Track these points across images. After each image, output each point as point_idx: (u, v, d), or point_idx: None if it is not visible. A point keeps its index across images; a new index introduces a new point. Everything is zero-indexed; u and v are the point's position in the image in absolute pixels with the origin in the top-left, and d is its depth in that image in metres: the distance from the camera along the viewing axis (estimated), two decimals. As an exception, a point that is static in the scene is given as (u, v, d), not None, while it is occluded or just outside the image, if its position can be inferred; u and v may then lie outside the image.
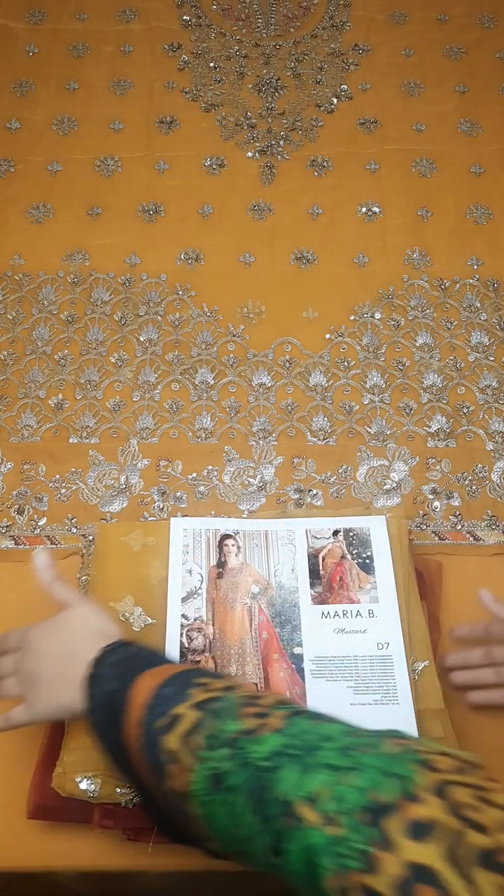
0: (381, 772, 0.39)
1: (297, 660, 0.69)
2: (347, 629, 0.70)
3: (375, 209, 1.09)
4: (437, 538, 0.85)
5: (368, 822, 0.37)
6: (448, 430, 0.92)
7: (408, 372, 0.96)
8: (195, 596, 0.73)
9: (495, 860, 0.33)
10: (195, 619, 0.71)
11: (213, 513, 0.85)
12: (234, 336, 0.98)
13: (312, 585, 0.74)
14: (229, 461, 0.89)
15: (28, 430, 0.91)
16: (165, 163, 1.12)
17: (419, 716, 0.68)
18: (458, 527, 0.86)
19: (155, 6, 1.27)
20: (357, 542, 0.76)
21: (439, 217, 1.08)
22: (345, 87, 1.20)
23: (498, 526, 0.86)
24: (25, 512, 0.86)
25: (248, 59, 1.22)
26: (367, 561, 0.75)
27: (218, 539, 0.76)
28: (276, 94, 1.19)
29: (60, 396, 0.93)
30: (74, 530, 0.85)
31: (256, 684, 0.68)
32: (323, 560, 0.75)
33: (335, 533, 0.77)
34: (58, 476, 0.88)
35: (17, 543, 0.84)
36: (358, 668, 0.68)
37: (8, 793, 0.69)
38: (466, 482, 0.88)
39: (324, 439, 0.91)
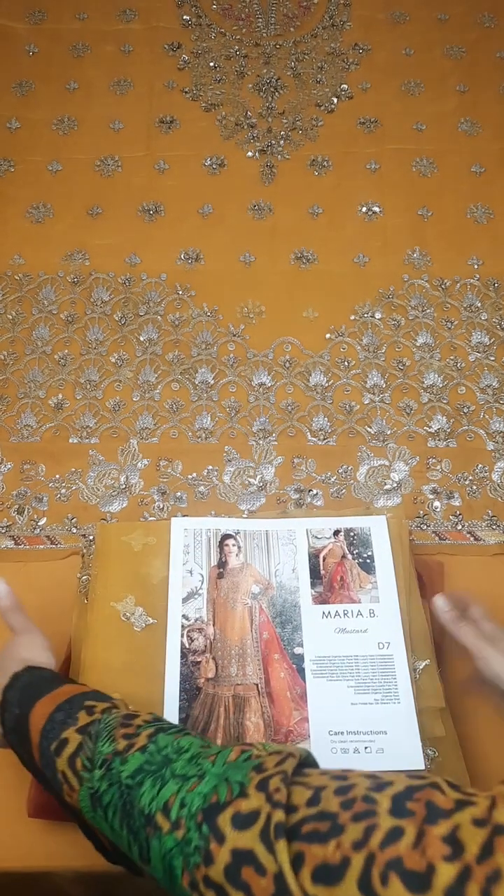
0: (221, 777, 0.44)
1: (298, 660, 0.69)
2: (348, 629, 0.71)
3: (375, 209, 1.09)
4: (437, 538, 0.85)
5: (206, 821, 0.42)
6: (448, 430, 0.91)
7: (408, 372, 0.96)
8: (196, 596, 0.73)
9: (294, 830, 0.39)
10: (196, 620, 0.71)
11: (212, 512, 0.85)
12: (234, 336, 0.98)
13: (313, 585, 0.74)
14: (229, 461, 0.89)
15: (28, 430, 0.91)
16: (165, 162, 1.12)
17: (420, 714, 0.68)
18: (459, 527, 0.85)
19: (155, 6, 1.27)
20: (358, 542, 0.76)
21: (439, 217, 1.08)
22: (345, 86, 1.20)
23: (498, 526, 0.85)
24: (25, 512, 0.86)
25: (248, 59, 1.22)
26: (368, 560, 0.75)
27: (219, 539, 0.77)
28: (276, 93, 1.19)
29: (60, 396, 0.93)
30: (74, 530, 0.85)
31: (257, 685, 0.68)
32: (324, 560, 0.75)
33: (336, 533, 0.77)
34: (58, 476, 0.88)
35: (17, 543, 0.84)
36: (359, 667, 0.69)
37: (8, 793, 0.69)
38: (467, 482, 0.88)
39: (324, 439, 0.91)
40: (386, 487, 0.88)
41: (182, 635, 0.70)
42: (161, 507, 0.86)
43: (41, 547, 0.84)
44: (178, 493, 0.87)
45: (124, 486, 0.87)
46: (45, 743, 0.53)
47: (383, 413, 0.93)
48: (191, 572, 0.74)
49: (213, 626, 0.71)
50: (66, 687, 0.57)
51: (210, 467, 0.89)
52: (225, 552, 0.75)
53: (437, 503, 0.87)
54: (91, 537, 0.81)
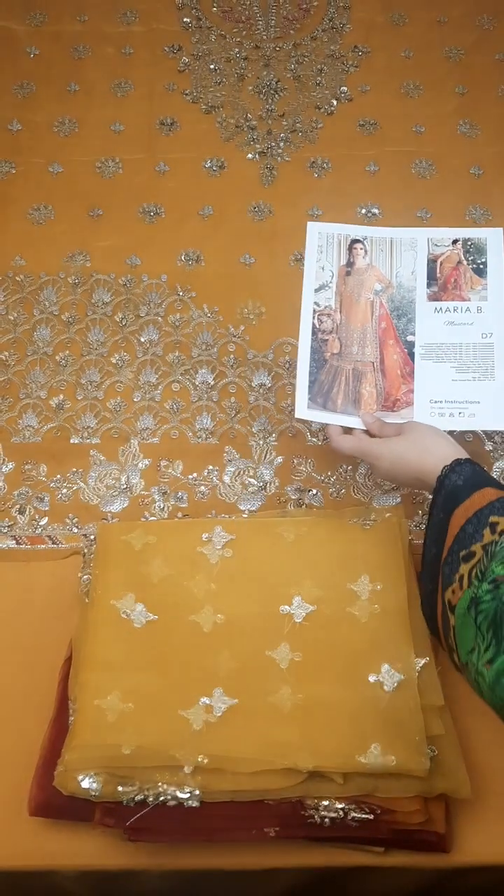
0: None
1: (410, 346, 0.81)
2: (456, 322, 0.81)
3: (375, 210, 1.09)
4: (436, 538, 0.85)
5: None
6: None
7: (407, 372, 0.96)
8: (326, 288, 0.83)
9: None
10: (325, 307, 0.82)
11: (213, 512, 0.85)
12: (235, 336, 0.98)
13: (429, 286, 0.83)
14: (229, 461, 0.90)
15: (29, 431, 0.91)
16: (166, 164, 1.13)
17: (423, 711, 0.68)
18: (458, 526, 0.86)
19: (155, 8, 1.27)
20: (474, 250, 0.83)
21: (438, 218, 1.08)
22: (344, 88, 1.20)
23: (497, 526, 0.86)
24: (27, 512, 0.86)
25: (248, 61, 1.23)
26: (482, 266, 0.83)
27: (348, 243, 0.85)
28: (276, 95, 1.19)
29: (62, 397, 0.93)
30: (76, 530, 0.85)
31: (373, 363, 0.80)
32: (441, 265, 0.83)
33: (454, 242, 0.84)
34: (59, 476, 0.88)
35: (18, 543, 0.84)
36: (462, 352, 0.79)
37: (8, 791, 0.69)
38: (466, 482, 0.88)
39: (324, 439, 0.91)
40: (386, 487, 0.88)
41: (313, 317, 0.82)
42: (161, 507, 0.86)
43: (42, 547, 0.84)
44: (179, 494, 0.87)
45: (125, 486, 0.88)
46: (456, 547, 0.62)
47: (383, 413, 0.93)
48: (322, 268, 0.84)
49: (340, 312, 0.82)
50: (476, 496, 0.64)
51: (210, 467, 0.89)
52: (353, 253, 0.84)
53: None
54: (92, 537, 0.81)
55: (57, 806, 0.66)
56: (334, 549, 0.79)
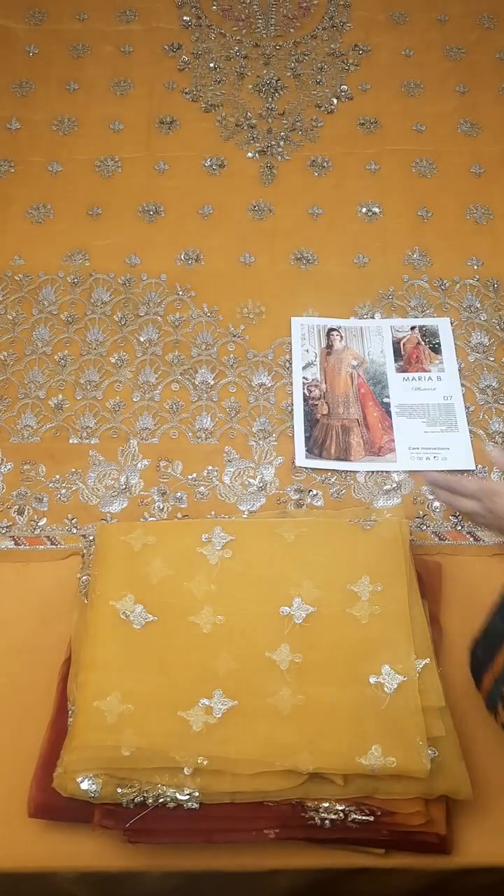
0: None
1: (386, 406, 0.93)
2: (422, 388, 0.94)
3: (375, 209, 1.09)
4: (437, 538, 0.85)
5: None
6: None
7: (408, 372, 0.97)
8: (311, 366, 0.95)
9: None
10: (312, 380, 0.94)
11: (213, 513, 0.85)
12: (234, 336, 0.98)
13: (396, 360, 0.96)
14: (229, 461, 0.89)
15: (28, 431, 0.91)
16: (165, 163, 1.12)
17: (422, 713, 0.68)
18: (458, 527, 0.86)
19: (155, 6, 1.27)
20: (429, 334, 0.98)
21: (439, 217, 1.08)
22: (345, 87, 1.20)
23: (498, 526, 0.86)
24: (25, 512, 0.86)
25: (248, 60, 1.22)
26: (437, 345, 0.97)
27: (326, 331, 0.98)
28: (276, 94, 1.19)
29: (60, 397, 0.93)
30: (74, 530, 0.85)
31: (357, 419, 0.92)
32: (403, 345, 0.97)
33: (412, 328, 0.98)
34: (58, 476, 0.88)
35: (17, 544, 0.84)
36: (430, 411, 0.93)
37: (8, 793, 0.69)
38: (466, 482, 0.88)
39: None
40: (386, 488, 0.88)
41: (304, 388, 0.93)
42: (161, 507, 0.86)
43: (41, 547, 0.84)
44: (178, 494, 0.87)
45: (124, 486, 0.87)
46: None
47: (383, 413, 0.93)
48: (307, 351, 0.96)
49: (325, 383, 0.94)
50: None
51: (210, 468, 0.89)
52: (331, 339, 0.97)
53: (436, 503, 0.87)
54: (91, 538, 0.81)
55: (56, 807, 0.66)
56: (334, 549, 0.79)
